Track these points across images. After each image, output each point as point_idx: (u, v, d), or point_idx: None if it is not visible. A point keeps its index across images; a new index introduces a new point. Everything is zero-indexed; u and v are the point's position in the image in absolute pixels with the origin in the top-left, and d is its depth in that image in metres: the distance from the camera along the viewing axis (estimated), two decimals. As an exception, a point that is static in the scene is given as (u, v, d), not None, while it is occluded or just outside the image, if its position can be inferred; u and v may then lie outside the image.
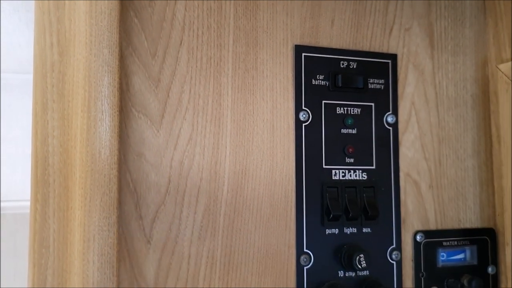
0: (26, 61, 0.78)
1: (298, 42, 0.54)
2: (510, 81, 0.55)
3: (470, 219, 0.60)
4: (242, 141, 0.52)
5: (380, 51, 0.58)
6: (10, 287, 0.64)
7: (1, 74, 0.71)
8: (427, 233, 0.58)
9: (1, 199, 0.67)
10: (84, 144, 0.44)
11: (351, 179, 0.55)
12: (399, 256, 0.56)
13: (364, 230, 0.55)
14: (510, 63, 0.55)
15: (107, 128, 0.44)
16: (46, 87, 0.45)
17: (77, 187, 0.44)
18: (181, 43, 0.51)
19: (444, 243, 0.59)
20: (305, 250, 0.53)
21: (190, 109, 0.50)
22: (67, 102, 0.45)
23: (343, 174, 0.55)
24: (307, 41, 0.55)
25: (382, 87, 0.57)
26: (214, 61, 0.51)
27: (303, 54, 0.54)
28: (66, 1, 0.45)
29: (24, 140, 0.69)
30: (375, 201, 0.55)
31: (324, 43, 0.55)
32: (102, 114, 0.44)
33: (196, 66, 0.51)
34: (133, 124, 0.49)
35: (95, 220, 0.44)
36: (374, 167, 0.56)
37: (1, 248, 0.62)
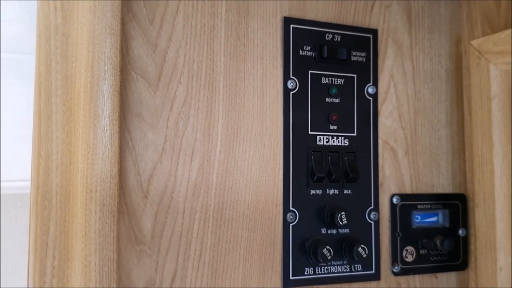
0: (15, 39, 0.78)
1: (287, 14, 0.58)
2: (481, 55, 0.59)
3: (442, 184, 0.65)
4: (233, 105, 0.55)
5: (362, 25, 0.62)
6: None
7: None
8: (403, 196, 0.62)
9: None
10: (88, 101, 0.47)
11: (334, 145, 0.59)
12: (377, 216, 0.60)
13: (345, 191, 0.59)
14: (481, 39, 0.60)
15: (109, 87, 0.47)
16: (50, 49, 0.48)
17: (79, 142, 0.47)
18: (177, 10, 0.53)
19: (419, 206, 0.63)
20: (291, 208, 0.56)
21: (185, 73, 0.54)
22: (71, 63, 0.48)
23: (327, 139, 0.59)
24: (295, 14, 0.58)
25: (364, 59, 0.61)
26: (208, 28, 0.55)
27: (291, 25, 0.58)
28: (71, -34, 0.48)
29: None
30: (355, 165, 0.59)
31: (311, 16, 0.59)
32: (105, 74, 0.47)
33: (191, 33, 0.54)
34: (132, 86, 0.52)
35: (97, 172, 0.46)
36: (355, 134, 0.60)
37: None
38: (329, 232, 0.58)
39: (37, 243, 0.46)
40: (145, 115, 0.52)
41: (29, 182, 0.48)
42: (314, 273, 0.56)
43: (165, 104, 0.53)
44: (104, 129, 0.47)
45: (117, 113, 0.47)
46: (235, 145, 0.55)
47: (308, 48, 0.58)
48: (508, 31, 0.56)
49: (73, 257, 0.47)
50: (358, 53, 0.61)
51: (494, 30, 0.62)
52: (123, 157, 0.51)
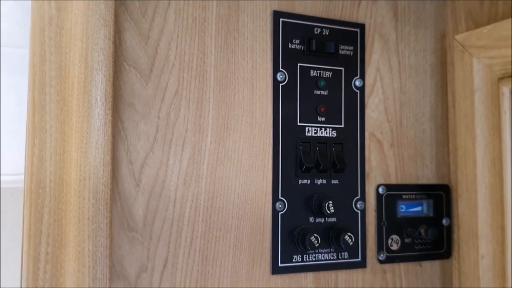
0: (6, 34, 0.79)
1: (276, 8, 0.59)
2: (465, 49, 0.61)
3: (427, 175, 0.67)
4: (224, 97, 0.57)
5: (350, 20, 0.63)
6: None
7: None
8: (389, 187, 0.64)
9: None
10: (81, 91, 0.48)
11: (322, 136, 0.61)
12: (363, 206, 0.62)
13: (333, 181, 0.61)
14: (465, 34, 0.62)
15: (102, 77, 0.48)
16: (44, 40, 0.49)
17: (73, 131, 0.48)
18: (169, 4, 0.55)
19: (404, 196, 0.65)
20: (280, 197, 0.58)
21: (177, 65, 0.55)
22: (64, 54, 0.49)
23: (315, 131, 0.60)
24: (284, 8, 0.60)
25: (351, 53, 0.63)
26: (199, 21, 0.56)
27: (280, 19, 0.59)
28: (65, -42, 0.49)
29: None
30: (342, 156, 0.61)
31: (299, 10, 0.61)
32: (99, 64, 0.48)
33: (183, 26, 0.55)
34: (125, 77, 0.53)
35: (90, 160, 0.48)
36: (342, 125, 0.62)
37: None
38: (316, 220, 0.59)
39: (31, 231, 0.47)
40: (137, 105, 0.53)
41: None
42: (302, 261, 0.58)
43: (156, 95, 0.54)
44: (98, 118, 0.48)
45: (110, 103, 0.48)
46: (225, 136, 0.56)
47: (297, 41, 0.60)
48: (490, 26, 0.58)
49: (66, 243, 0.48)
50: (346, 47, 0.63)
51: (477, 25, 0.64)
52: (115, 146, 0.52)
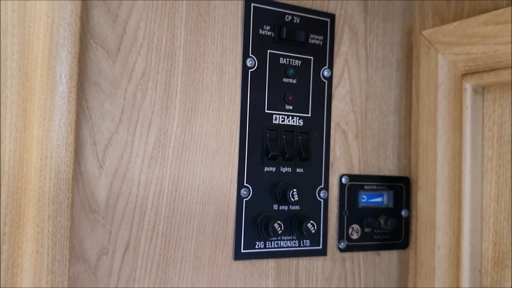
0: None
1: (249, -7, 0.59)
2: (430, 45, 0.63)
3: (388, 167, 0.68)
4: (192, 80, 0.56)
5: (321, 9, 0.64)
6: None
7: None
8: (351, 177, 0.65)
9: None
10: (45, 67, 0.46)
11: (289, 124, 0.61)
12: (326, 195, 0.63)
13: (298, 170, 0.61)
14: (431, 29, 0.63)
15: (68, 54, 0.47)
16: (7, 12, 0.47)
17: (35, 108, 0.46)
18: (139, -18, 0.53)
19: (365, 187, 0.66)
20: (245, 184, 0.58)
21: (145, 46, 0.54)
22: (28, 28, 0.47)
23: (283, 119, 0.61)
24: (256, -7, 0.59)
25: (321, 43, 0.63)
26: (170, 2, 0.55)
27: (252, 4, 0.59)
28: None
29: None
30: (308, 145, 0.61)
31: (272, -4, 0.60)
32: (64, 40, 0.47)
33: (152, 6, 0.54)
34: (91, 55, 0.51)
35: (53, 139, 0.46)
36: (309, 115, 0.62)
37: None
38: (280, 208, 0.60)
39: (-13, 210, 0.46)
40: (103, 85, 0.52)
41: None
42: (265, 247, 0.58)
43: (123, 75, 0.53)
44: (62, 96, 0.46)
45: (75, 81, 0.47)
46: (192, 120, 0.56)
47: (268, 28, 0.60)
48: (456, 23, 0.59)
49: (25, 223, 0.46)
50: (315, 36, 0.63)
51: (444, 22, 0.65)
52: (79, 126, 0.50)
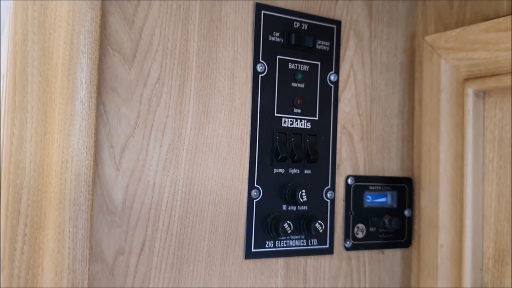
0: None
1: (259, 0, 0.60)
2: (433, 50, 0.65)
3: (392, 168, 0.70)
4: (205, 85, 0.58)
5: (327, 16, 0.65)
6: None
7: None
8: (357, 178, 0.67)
9: None
10: (66, 73, 0.48)
11: (298, 127, 0.63)
12: (333, 195, 0.65)
13: (306, 171, 0.63)
14: (434, 35, 0.65)
15: (88, 60, 0.48)
16: (27, 19, 0.48)
17: (56, 113, 0.48)
18: (154, -11, 0.55)
19: (370, 187, 0.68)
20: (255, 185, 0.60)
21: (160, 51, 0.55)
22: (48, 34, 0.48)
23: (291, 122, 0.62)
24: (266, 1, 0.61)
25: (328, 48, 0.65)
26: (183, 9, 0.56)
27: (262, 11, 0.60)
28: None
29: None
30: (316, 147, 0.63)
31: (280, 3, 0.62)
32: (84, 47, 0.48)
33: (167, 12, 0.56)
34: (108, 61, 0.53)
35: (73, 143, 0.48)
36: (317, 118, 0.64)
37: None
38: (289, 208, 0.61)
39: (9, 211, 0.47)
40: (119, 89, 0.53)
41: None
42: (274, 246, 0.60)
43: (139, 80, 0.54)
44: (82, 101, 0.48)
45: (95, 86, 0.49)
46: (205, 123, 0.58)
47: (277, 34, 0.61)
48: (459, 30, 0.61)
49: (46, 224, 0.48)
50: (322, 42, 0.65)
51: (446, 28, 0.67)
52: (97, 129, 0.52)
